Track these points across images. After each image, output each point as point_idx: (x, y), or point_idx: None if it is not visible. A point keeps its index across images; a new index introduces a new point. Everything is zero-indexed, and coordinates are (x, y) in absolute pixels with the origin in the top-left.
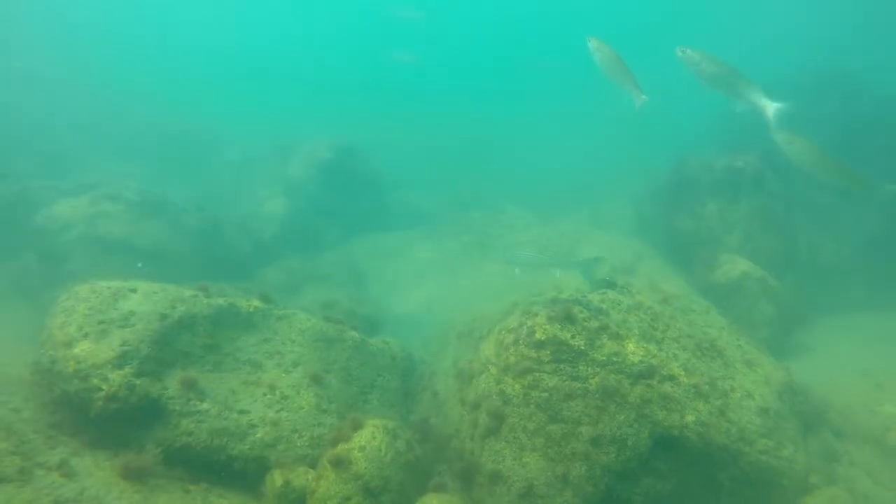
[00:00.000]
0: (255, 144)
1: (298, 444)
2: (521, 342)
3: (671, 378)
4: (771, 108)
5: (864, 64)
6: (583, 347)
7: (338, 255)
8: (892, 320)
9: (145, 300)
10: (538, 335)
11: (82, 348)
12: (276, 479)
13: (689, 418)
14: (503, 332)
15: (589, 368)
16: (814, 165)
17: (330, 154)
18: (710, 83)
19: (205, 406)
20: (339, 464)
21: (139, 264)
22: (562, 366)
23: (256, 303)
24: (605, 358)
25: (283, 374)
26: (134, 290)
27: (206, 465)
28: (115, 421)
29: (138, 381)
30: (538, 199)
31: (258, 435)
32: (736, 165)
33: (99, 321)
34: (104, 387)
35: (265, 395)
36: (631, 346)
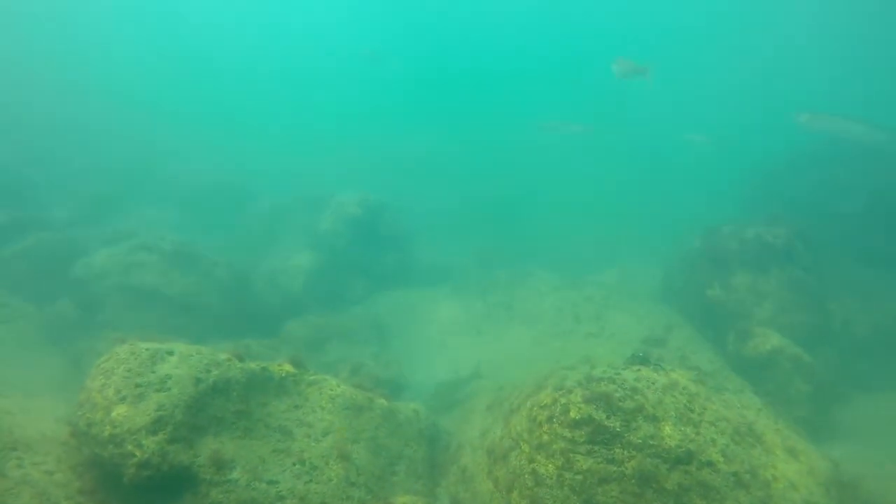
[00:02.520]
0: (285, 196)
1: None
2: (555, 420)
3: (710, 464)
4: None
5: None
6: (618, 429)
7: (363, 310)
8: None
9: (181, 363)
10: (573, 414)
11: (119, 412)
12: None
13: None
14: (536, 409)
15: (625, 451)
16: (842, 130)
17: (359, 210)
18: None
19: (234, 475)
20: None
21: None
22: (597, 447)
23: (288, 367)
24: (641, 441)
25: (313, 444)
26: (171, 353)
27: None
28: (146, 489)
29: (171, 448)
30: (563, 256)
31: None
32: (766, 237)
33: (136, 384)
34: (138, 453)
35: (294, 465)
36: (668, 429)
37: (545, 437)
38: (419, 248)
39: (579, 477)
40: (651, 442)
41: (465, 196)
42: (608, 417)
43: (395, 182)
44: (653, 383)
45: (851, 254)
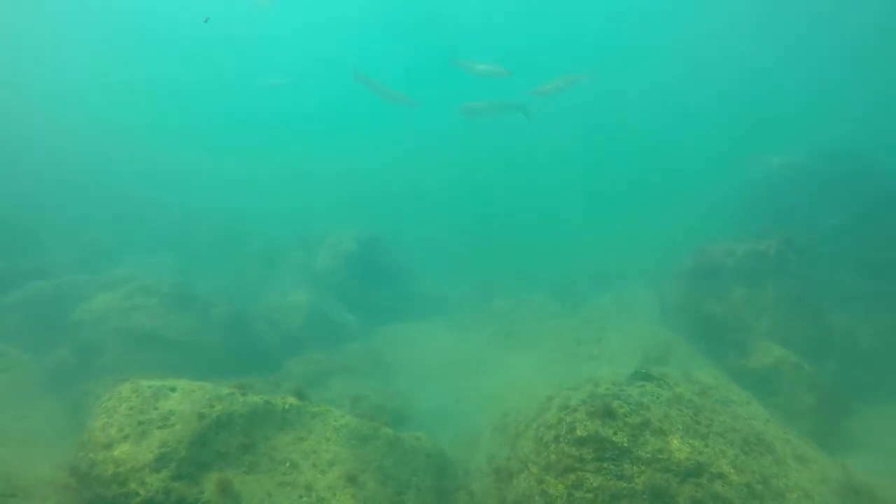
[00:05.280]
0: (280, 234)
1: None
2: (561, 440)
3: (721, 476)
4: None
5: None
6: (626, 444)
7: (362, 345)
8: None
9: (184, 399)
10: (579, 432)
11: (122, 450)
12: None
13: None
14: (542, 429)
15: (634, 467)
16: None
17: (354, 245)
18: None
19: None
20: None
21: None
22: (605, 464)
23: (291, 400)
24: (649, 455)
25: (319, 475)
26: (174, 389)
27: None
28: None
29: (176, 485)
30: (562, 283)
31: None
32: (758, 250)
33: (139, 422)
34: (142, 491)
35: (301, 497)
36: (676, 443)
37: (553, 457)
38: (415, 280)
39: (590, 495)
40: (660, 456)
41: (455, 222)
42: (615, 433)
43: (385, 213)
44: (657, 398)
45: (846, 265)
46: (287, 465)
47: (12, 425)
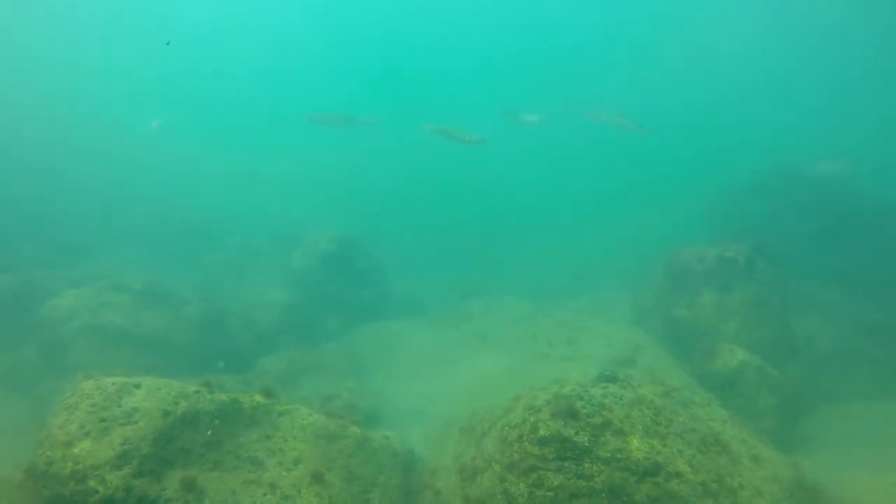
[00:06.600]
0: (258, 233)
1: None
2: (524, 439)
3: (677, 475)
4: None
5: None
6: (587, 444)
7: (338, 345)
8: None
9: (149, 396)
10: (542, 431)
11: (82, 448)
12: None
13: None
14: (506, 429)
15: (594, 466)
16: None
17: (332, 246)
18: None
19: None
20: None
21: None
22: (566, 463)
23: (259, 398)
24: (609, 455)
25: (285, 473)
26: (138, 387)
27: None
28: None
29: (137, 482)
30: (538, 285)
31: None
32: (727, 255)
33: (101, 418)
34: (101, 489)
35: (265, 494)
36: (635, 443)
37: (516, 457)
38: (393, 281)
39: (550, 493)
40: (619, 455)
41: (433, 225)
42: (576, 433)
43: (364, 214)
44: (620, 399)
45: (811, 272)
46: (252, 462)
47: None
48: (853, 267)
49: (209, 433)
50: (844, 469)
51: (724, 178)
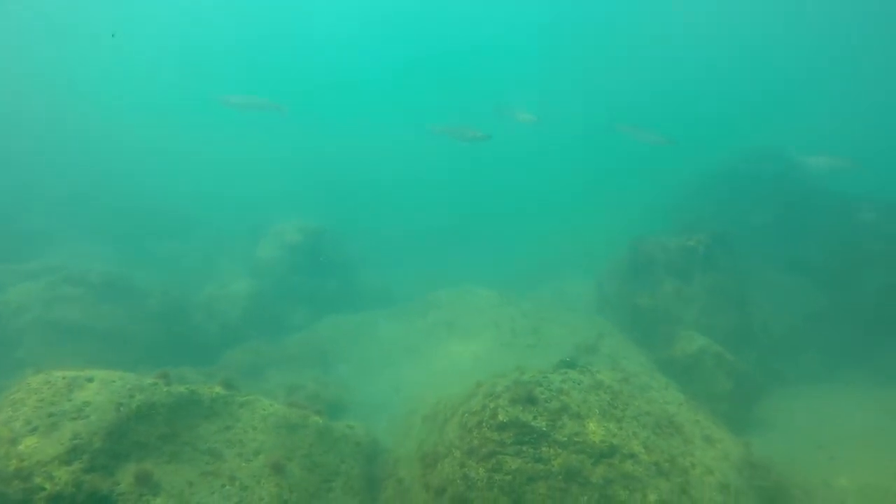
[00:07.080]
0: (226, 222)
1: None
2: (484, 425)
3: (632, 456)
4: None
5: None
6: (545, 428)
7: (304, 336)
8: (844, 391)
9: (102, 389)
10: (500, 417)
11: (27, 444)
12: None
13: (652, 497)
14: (467, 415)
15: (551, 449)
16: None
17: (299, 236)
18: None
19: (158, 501)
20: None
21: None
22: (524, 448)
23: (218, 389)
24: (566, 438)
25: (244, 464)
26: (91, 380)
27: None
28: None
29: (87, 478)
30: (505, 276)
31: None
32: (688, 244)
33: (49, 414)
34: (48, 486)
35: (224, 486)
36: (592, 426)
37: (475, 442)
38: (361, 272)
39: (508, 477)
40: (576, 439)
41: (403, 216)
42: (534, 418)
43: (335, 205)
44: (578, 384)
45: (767, 261)
46: (211, 454)
47: None
48: (804, 255)
49: (165, 426)
50: (793, 447)
51: (688, 169)
